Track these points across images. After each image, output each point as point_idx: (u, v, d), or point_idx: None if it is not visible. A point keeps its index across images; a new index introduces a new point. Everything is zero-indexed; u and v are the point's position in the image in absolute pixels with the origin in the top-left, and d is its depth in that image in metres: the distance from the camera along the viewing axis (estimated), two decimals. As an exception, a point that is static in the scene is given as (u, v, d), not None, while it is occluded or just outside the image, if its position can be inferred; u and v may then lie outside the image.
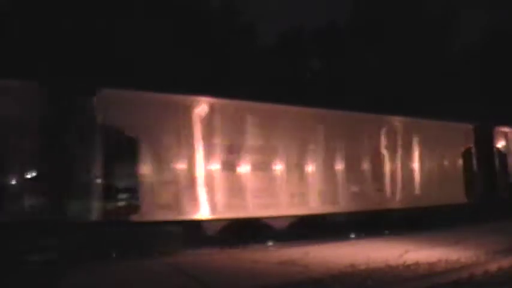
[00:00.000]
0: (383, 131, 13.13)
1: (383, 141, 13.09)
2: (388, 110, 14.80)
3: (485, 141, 15.62)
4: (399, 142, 13.40)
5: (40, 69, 13.77)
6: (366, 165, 12.58)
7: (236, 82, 18.49)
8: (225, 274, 6.91)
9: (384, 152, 13.06)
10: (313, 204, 11.38)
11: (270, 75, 20.31)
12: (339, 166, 12.03)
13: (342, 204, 11.86)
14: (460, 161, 14.77)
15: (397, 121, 13.61)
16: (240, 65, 19.78)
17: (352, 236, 11.14)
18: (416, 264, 7.17)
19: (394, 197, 13.02)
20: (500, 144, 16.24)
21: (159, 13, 18.11)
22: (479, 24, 30.17)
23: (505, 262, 7.34)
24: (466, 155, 14.97)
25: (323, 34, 24.18)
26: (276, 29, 26.96)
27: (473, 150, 15.14)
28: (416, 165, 13.68)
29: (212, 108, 10.32)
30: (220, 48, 19.39)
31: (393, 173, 13.08)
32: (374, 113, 13.55)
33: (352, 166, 12.24)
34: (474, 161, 15.11)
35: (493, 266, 7.09)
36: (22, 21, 15.71)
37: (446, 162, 14.48)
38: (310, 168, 11.51)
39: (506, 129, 16.57)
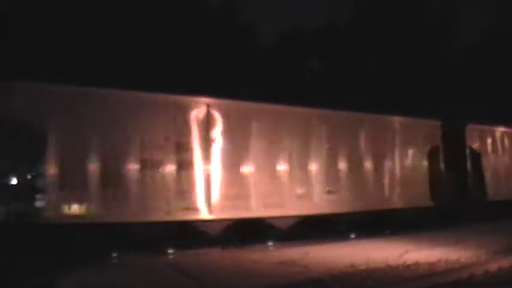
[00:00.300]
0: (333, 128, 11.83)
1: (333, 139, 11.75)
2: (337, 104, 13.64)
3: (456, 139, 14.20)
4: (352, 140, 12.14)
5: (40, 69, 13.78)
6: (313, 165, 11.27)
7: (236, 82, 18.50)
8: (225, 274, 6.91)
9: (336, 151, 11.75)
10: (253, 208, 10.22)
11: (270, 75, 20.32)
12: (284, 166, 10.80)
13: (287, 208, 10.62)
14: (425, 161, 13.43)
15: (349, 117, 12.40)
16: (240, 65, 19.78)
17: (353, 236, 11.04)
18: (417, 264, 7.16)
19: (347, 199, 11.70)
20: (474, 142, 14.77)
21: (159, 13, 18.12)
22: (479, 24, 30.22)
23: (505, 262, 7.33)
24: (432, 155, 13.59)
25: (323, 34, 24.20)
26: (276, 29, 27.03)
27: (441, 149, 13.78)
28: (371, 165, 12.32)
29: (127, 103, 9.41)
30: (220, 48, 19.40)
31: (346, 174, 11.78)
32: (324, 107, 12.38)
33: (297, 166, 11.00)
34: (442, 161, 13.74)
35: (493, 266, 7.08)
36: (22, 21, 15.71)
37: (407, 162, 13.11)
38: (249, 169, 10.39)
39: (480, 126, 15.19)
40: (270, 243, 9.97)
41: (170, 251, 9.04)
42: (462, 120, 14.82)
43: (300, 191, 11.08)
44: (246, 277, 6.67)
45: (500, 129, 15.90)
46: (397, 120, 13.24)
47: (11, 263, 7.54)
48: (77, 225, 8.62)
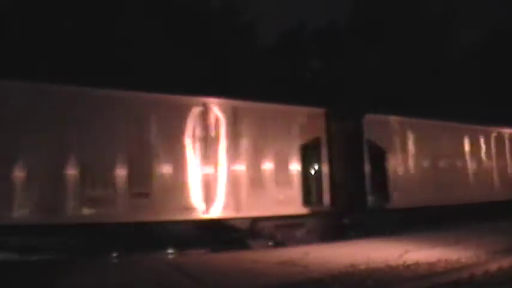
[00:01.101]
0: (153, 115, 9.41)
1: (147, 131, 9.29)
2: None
3: (349, 132, 11.73)
4: (182, 131, 9.59)
5: (40, 69, 13.79)
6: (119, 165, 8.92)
7: (236, 82, 18.51)
8: (226, 274, 6.91)
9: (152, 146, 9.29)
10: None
11: (270, 75, 20.33)
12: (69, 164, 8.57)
13: (68, 214, 8.43)
14: (296, 158, 10.74)
15: (188, 101, 9.81)
16: (240, 65, 19.80)
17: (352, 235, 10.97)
18: (417, 264, 7.16)
19: (169, 205, 9.24)
20: (375, 137, 12.10)
21: (159, 13, 18.15)
22: (479, 24, 30.26)
23: (505, 262, 7.33)
24: (310, 151, 11.08)
25: (323, 34, 24.24)
26: (276, 29, 27.10)
27: (324, 144, 11.27)
28: (208, 163, 9.73)
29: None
30: (220, 48, 19.43)
31: (165, 175, 9.31)
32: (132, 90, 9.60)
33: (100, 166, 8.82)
34: (325, 158, 11.25)
35: (493, 266, 7.08)
36: (22, 21, 15.73)
37: (267, 160, 10.37)
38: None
39: (386, 117, 12.61)
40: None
41: (170, 250, 9.03)
42: (358, 109, 12.30)
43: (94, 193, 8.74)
44: (246, 277, 6.67)
45: (414, 121, 13.24)
46: (248, 106, 10.55)
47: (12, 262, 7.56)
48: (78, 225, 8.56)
